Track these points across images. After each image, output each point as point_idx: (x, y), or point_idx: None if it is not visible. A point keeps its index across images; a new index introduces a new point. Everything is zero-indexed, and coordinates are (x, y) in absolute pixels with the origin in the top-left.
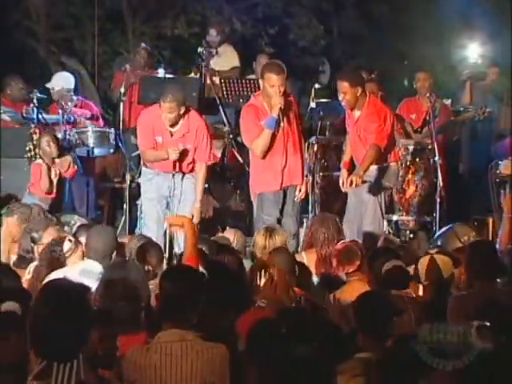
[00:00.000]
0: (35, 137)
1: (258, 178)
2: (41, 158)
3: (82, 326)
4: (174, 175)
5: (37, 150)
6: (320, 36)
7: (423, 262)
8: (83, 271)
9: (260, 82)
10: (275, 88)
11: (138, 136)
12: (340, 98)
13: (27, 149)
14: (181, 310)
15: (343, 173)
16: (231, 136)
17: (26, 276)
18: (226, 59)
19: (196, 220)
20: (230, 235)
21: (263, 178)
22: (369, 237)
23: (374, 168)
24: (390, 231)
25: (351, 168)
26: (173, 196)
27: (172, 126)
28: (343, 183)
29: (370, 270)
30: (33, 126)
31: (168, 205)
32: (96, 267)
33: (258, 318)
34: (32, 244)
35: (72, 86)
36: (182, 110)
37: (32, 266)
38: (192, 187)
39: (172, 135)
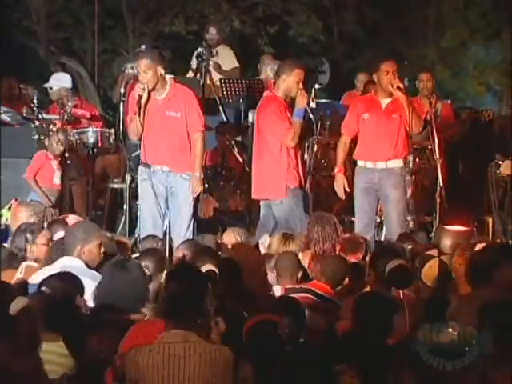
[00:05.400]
0: (54, 128)
1: (290, 172)
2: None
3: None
4: (170, 174)
5: (46, 141)
6: (319, 33)
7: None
8: (64, 267)
9: (282, 78)
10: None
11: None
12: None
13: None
14: (185, 311)
15: (339, 178)
16: (231, 136)
17: (18, 275)
18: (223, 59)
19: (196, 189)
20: (233, 234)
21: (295, 174)
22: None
23: (399, 166)
24: None
25: (346, 172)
26: (170, 195)
27: (154, 89)
28: (340, 190)
29: (372, 269)
30: (36, 124)
31: (166, 204)
32: (76, 262)
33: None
34: (25, 243)
35: (69, 86)
36: (161, 71)
37: (24, 265)
38: (188, 186)
39: (158, 102)
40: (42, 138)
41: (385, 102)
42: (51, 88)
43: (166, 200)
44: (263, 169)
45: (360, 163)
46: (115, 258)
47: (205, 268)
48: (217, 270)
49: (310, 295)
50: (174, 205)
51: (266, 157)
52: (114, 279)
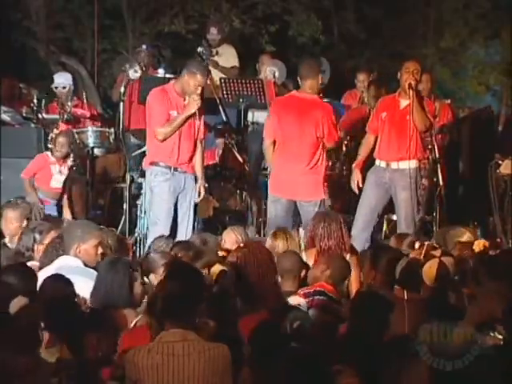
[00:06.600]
0: (55, 131)
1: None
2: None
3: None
4: (185, 175)
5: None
6: (319, 33)
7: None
8: (61, 268)
9: None
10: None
11: (152, 114)
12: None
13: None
14: (183, 310)
15: (356, 173)
16: (232, 136)
17: None
18: (227, 58)
19: (203, 195)
20: (233, 233)
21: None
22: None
23: (411, 167)
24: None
25: (363, 169)
26: (184, 195)
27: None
28: (356, 185)
29: (374, 268)
30: (32, 125)
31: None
32: (73, 261)
33: (259, 320)
34: (33, 243)
35: (70, 83)
36: None
37: (29, 264)
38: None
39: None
40: (49, 141)
41: (404, 102)
42: (56, 87)
43: (177, 201)
44: (309, 171)
45: (376, 162)
46: (107, 258)
47: (215, 268)
48: (227, 269)
49: (323, 297)
50: (183, 204)
51: (313, 159)
52: (106, 278)
